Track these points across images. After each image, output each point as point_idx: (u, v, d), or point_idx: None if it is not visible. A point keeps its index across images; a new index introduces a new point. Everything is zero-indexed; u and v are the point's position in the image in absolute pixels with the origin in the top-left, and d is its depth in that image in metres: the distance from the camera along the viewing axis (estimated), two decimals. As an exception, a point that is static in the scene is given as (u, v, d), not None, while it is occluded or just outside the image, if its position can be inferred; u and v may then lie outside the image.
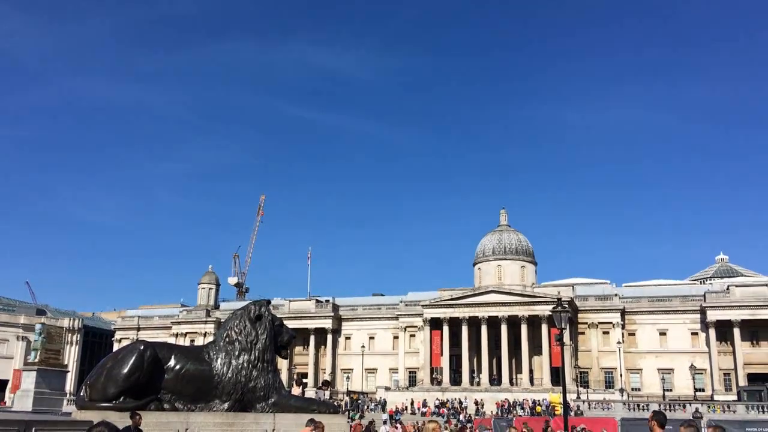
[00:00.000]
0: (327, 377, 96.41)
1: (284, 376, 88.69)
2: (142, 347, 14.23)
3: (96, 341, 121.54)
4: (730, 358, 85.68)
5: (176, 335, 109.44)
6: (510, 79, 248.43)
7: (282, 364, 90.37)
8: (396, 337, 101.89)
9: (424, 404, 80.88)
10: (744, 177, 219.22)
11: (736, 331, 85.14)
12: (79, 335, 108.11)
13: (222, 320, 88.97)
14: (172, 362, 14.42)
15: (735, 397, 75.97)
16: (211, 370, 14.59)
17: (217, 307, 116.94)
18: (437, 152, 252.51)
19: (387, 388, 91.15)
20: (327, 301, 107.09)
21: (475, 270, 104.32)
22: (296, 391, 23.44)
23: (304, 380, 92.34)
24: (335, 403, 41.23)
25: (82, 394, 14.32)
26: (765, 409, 62.41)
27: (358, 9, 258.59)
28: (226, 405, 14.49)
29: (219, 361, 14.70)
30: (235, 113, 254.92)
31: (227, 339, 15.03)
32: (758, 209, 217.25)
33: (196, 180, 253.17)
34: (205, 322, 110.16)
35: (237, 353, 14.78)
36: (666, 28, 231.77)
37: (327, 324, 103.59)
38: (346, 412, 54.23)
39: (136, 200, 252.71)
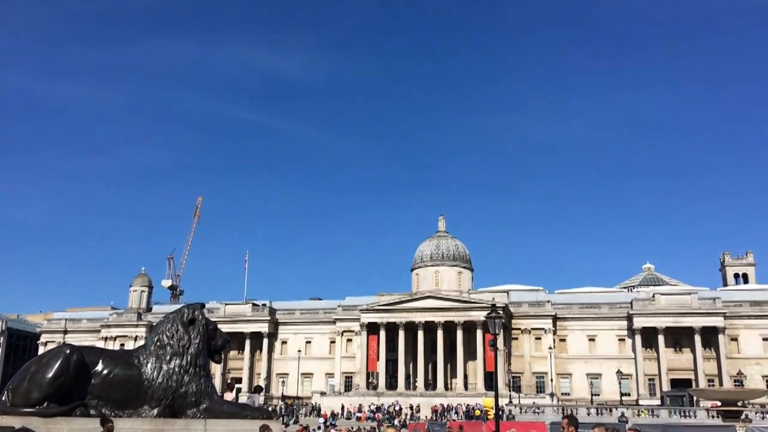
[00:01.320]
0: (262, 382, 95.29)
1: (218, 381, 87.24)
2: (68, 351, 13.83)
3: (20, 344, 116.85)
4: (655, 364, 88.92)
5: (106, 339, 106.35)
6: (452, 88, 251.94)
7: (216, 369, 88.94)
8: (333, 342, 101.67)
9: (360, 409, 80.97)
10: (670, 190, 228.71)
11: (661, 338, 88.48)
12: (2, 338, 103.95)
13: (154, 324, 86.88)
14: (99, 367, 14.05)
15: (659, 402, 79.05)
16: (141, 375, 14.27)
17: (149, 310, 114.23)
18: (377, 157, 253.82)
19: (323, 393, 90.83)
20: (264, 304, 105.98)
21: (413, 275, 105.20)
22: (229, 396, 23.10)
23: (238, 385, 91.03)
24: (269, 409, 40.85)
25: (3, 398, 13.82)
26: (686, 414, 65.05)
27: (302, 11, 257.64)
28: (155, 411, 14.19)
29: (149, 365, 14.39)
30: (174, 112, 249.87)
31: (158, 343, 14.73)
32: (683, 220, 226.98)
33: (131, 179, 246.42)
34: (137, 326, 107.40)
35: (168, 358, 14.50)
36: (601, 44, 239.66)
37: (263, 328, 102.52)
38: (281, 418, 53.81)
39: (66, 198, 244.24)
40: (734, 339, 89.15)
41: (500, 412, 48.27)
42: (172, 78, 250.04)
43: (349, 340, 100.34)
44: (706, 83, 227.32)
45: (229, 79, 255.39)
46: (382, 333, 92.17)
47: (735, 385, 75.80)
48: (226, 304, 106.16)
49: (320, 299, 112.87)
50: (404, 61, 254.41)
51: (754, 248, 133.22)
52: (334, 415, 76.45)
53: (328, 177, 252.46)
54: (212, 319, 16.19)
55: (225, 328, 79.79)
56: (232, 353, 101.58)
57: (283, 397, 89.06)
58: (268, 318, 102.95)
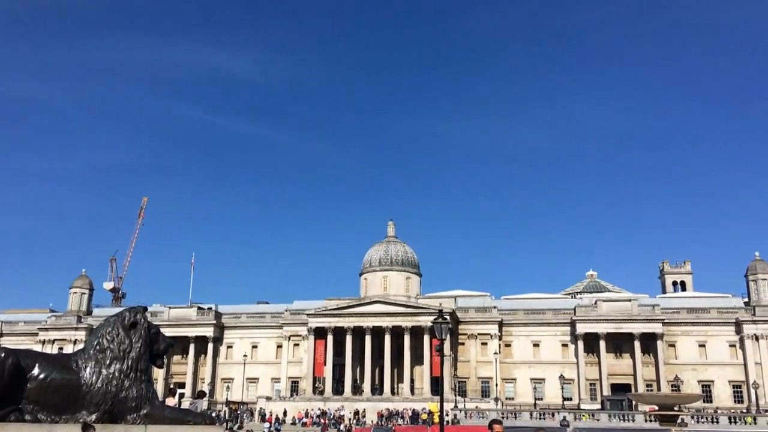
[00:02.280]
0: (206, 387, 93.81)
1: (160, 386, 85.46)
2: (2, 355, 13.38)
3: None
4: (596, 369, 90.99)
5: (44, 342, 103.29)
6: (402, 93, 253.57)
7: (159, 373, 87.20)
8: (280, 346, 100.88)
9: (306, 414, 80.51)
10: (612, 199, 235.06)
11: (602, 344, 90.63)
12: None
13: (94, 327, 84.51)
14: (36, 371, 13.64)
15: (599, 406, 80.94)
16: (79, 380, 13.90)
17: (89, 313, 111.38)
18: (327, 161, 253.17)
19: (268, 398, 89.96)
20: (209, 308, 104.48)
21: (362, 280, 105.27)
22: (171, 401, 22.72)
23: (181, 390, 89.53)
24: (212, 414, 40.24)
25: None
26: (625, 418, 66.81)
27: (255, 12, 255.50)
28: (94, 416, 13.83)
29: (88, 370, 14.03)
30: (119, 110, 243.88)
31: (98, 347, 14.37)
32: (625, 229, 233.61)
33: (72, 178, 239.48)
34: (76, 329, 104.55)
35: (108, 362, 14.17)
36: (560, 54, 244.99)
37: (208, 332, 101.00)
38: (224, 423, 53.03)
39: (4, 195, 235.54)
40: (672, 345, 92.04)
41: (445, 417, 48.67)
42: (118, 76, 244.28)
43: (296, 345, 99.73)
44: (654, 94, 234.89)
45: (177, 78, 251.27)
46: (330, 338, 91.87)
47: (672, 390, 78.14)
48: (171, 308, 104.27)
49: (267, 303, 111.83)
50: (351, 64, 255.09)
51: (691, 257, 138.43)
52: (279, 421, 75.80)
53: (276, 179, 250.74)
54: (156, 323, 15.96)
55: (169, 332, 78.07)
56: (176, 358, 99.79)
57: (228, 403, 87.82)
58: (214, 322, 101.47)
